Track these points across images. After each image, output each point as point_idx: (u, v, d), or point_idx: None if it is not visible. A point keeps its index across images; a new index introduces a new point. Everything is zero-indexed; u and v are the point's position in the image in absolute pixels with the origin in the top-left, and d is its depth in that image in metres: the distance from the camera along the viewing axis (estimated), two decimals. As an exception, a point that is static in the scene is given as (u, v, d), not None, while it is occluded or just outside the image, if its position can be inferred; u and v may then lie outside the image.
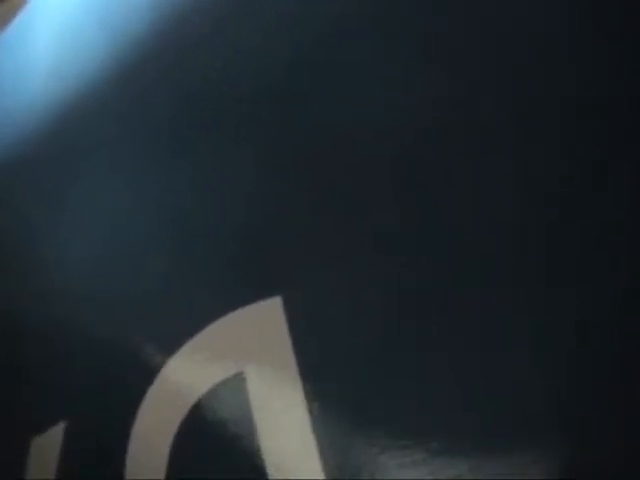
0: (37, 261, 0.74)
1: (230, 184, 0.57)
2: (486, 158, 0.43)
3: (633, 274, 0.35)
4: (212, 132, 0.60)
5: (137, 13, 0.72)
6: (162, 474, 0.51)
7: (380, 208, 0.47)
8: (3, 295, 0.77)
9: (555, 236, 0.39)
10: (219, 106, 0.60)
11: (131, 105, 0.69)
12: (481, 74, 0.45)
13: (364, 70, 0.51)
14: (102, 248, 0.66)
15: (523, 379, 0.37)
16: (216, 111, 0.60)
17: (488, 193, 0.42)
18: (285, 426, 0.45)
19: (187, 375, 0.52)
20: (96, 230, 0.67)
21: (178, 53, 0.66)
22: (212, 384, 0.50)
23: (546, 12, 0.43)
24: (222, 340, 0.51)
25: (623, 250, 0.36)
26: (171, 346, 0.54)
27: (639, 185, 0.37)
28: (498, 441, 0.37)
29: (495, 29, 0.45)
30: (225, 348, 0.51)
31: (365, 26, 0.52)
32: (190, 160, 0.61)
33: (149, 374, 0.55)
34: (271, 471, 0.45)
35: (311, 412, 0.44)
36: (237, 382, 0.49)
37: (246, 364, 0.49)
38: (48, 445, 0.62)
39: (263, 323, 0.49)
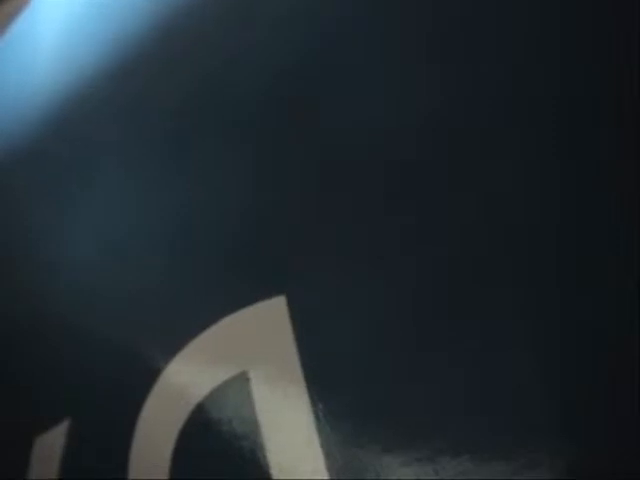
0: (37, 260, 0.74)
1: (232, 183, 0.57)
2: (487, 159, 0.43)
3: (633, 274, 0.35)
4: (214, 130, 0.60)
5: (139, 10, 0.72)
6: (165, 474, 0.51)
7: (382, 208, 0.47)
8: (3, 294, 0.77)
9: (555, 236, 0.39)
10: (221, 104, 0.60)
11: (133, 102, 0.69)
12: (482, 74, 0.45)
13: (364, 71, 0.51)
14: (103, 248, 0.66)
15: (524, 379, 0.37)
16: (217, 109, 0.60)
17: (488, 194, 0.42)
18: (289, 426, 0.45)
19: (190, 375, 0.52)
20: (97, 230, 0.67)
21: (180, 50, 0.66)
22: (215, 384, 0.50)
23: (546, 12, 0.43)
24: (225, 340, 0.51)
25: (623, 250, 0.36)
26: (174, 346, 0.54)
27: (639, 184, 0.37)
28: (501, 440, 0.37)
29: (495, 29, 0.45)
30: (228, 348, 0.51)
31: (364, 27, 0.52)
32: (193, 159, 0.61)
33: (152, 374, 0.55)
34: (275, 471, 0.45)
35: (315, 412, 0.44)
36: (241, 383, 0.49)
37: (250, 364, 0.49)
38: (51, 444, 0.62)
39: (267, 323, 0.49)
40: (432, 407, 0.40)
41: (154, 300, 0.59)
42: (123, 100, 0.70)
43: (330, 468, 0.42)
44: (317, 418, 0.44)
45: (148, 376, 0.55)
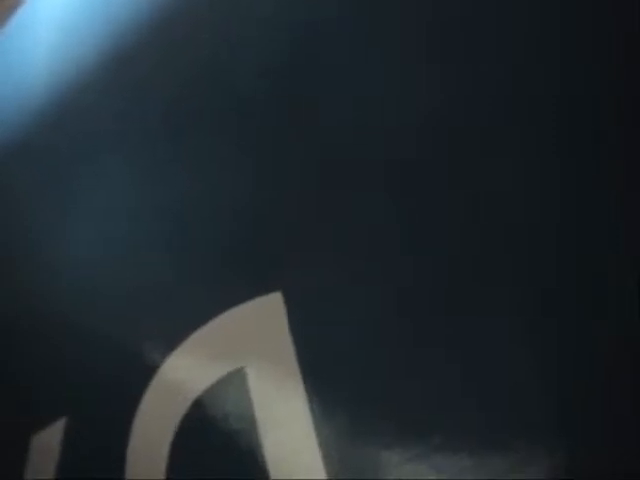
0: (36, 259, 0.74)
1: (230, 180, 0.57)
2: (487, 157, 0.43)
3: (633, 272, 0.35)
4: (211, 126, 0.60)
5: (136, 4, 0.72)
6: (162, 470, 0.51)
7: (380, 206, 0.47)
8: (3, 294, 0.77)
9: (555, 234, 0.39)
10: (217, 100, 0.60)
11: (130, 97, 0.69)
12: (482, 73, 0.45)
13: (364, 70, 0.51)
14: (101, 245, 0.66)
15: (522, 376, 0.37)
16: (214, 105, 0.60)
17: (487, 193, 0.42)
18: (286, 422, 0.45)
19: (188, 371, 0.52)
20: (94, 227, 0.67)
21: (177, 43, 0.66)
22: (213, 380, 0.50)
23: (546, 12, 0.43)
24: (223, 336, 0.51)
25: (623, 248, 0.36)
26: (172, 342, 0.54)
27: (639, 183, 0.37)
28: (498, 437, 0.37)
29: (495, 29, 0.45)
30: (226, 344, 0.51)
31: (365, 27, 0.52)
32: (190, 155, 0.61)
33: (149, 371, 0.55)
34: (272, 466, 0.45)
35: (312, 407, 0.44)
36: (238, 378, 0.49)
37: (247, 360, 0.49)
38: (48, 442, 0.62)
39: (264, 319, 0.49)
40: (429, 403, 0.40)
41: (151, 296, 0.59)
42: (121, 90, 0.70)
43: (327, 463, 0.42)
44: (314, 413, 0.44)
45: (145, 372, 0.55)
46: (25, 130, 0.82)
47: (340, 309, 0.46)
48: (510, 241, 0.40)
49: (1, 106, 0.88)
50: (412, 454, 0.40)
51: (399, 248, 0.45)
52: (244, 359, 0.49)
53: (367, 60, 0.51)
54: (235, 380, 0.49)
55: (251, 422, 0.47)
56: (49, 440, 0.62)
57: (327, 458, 0.43)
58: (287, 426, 0.45)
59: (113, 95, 0.71)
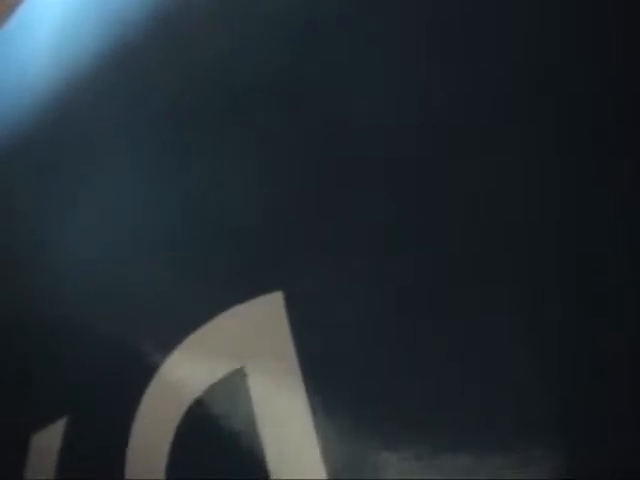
0: (38, 260, 0.74)
1: (229, 180, 0.57)
2: (486, 155, 0.43)
3: (633, 273, 0.35)
4: (212, 125, 0.60)
5: (137, 1, 0.72)
6: (162, 469, 0.51)
7: (380, 205, 0.47)
8: (4, 294, 0.77)
9: (555, 233, 0.39)
10: (218, 99, 0.60)
11: (132, 95, 0.69)
12: (481, 72, 0.45)
13: (365, 69, 0.51)
14: (101, 246, 0.66)
15: (522, 375, 0.37)
16: (214, 104, 0.60)
17: (487, 191, 0.42)
18: (286, 421, 0.45)
19: (188, 371, 0.52)
20: (96, 227, 0.67)
21: (180, 41, 0.66)
22: (213, 380, 0.50)
23: (546, 11, 0.43)
24: (223, 335, 0.51)
25: (623, 246, 0.36)
26: (172, 342, 0.54)
27: (639, 183, 0.37)
28: (499, 437, 0.37)
29: (495, 27, 0.45)
30: (226, 344, 0.51)
31: (366, 26, 0.52)
32: (190, 155, 0.61)
33: (149, 370, 0.55)
34: (272, 465, 0.45)
35: (312, 407, 0.44)
36: (238, 378, 0.49)
37: (247, 359, 0.49)
38: (48, 442, 0.62)
39: (264, 318, 0.49)
40: (430, 403, 0.40)
41: (152, 297, 0.59)
42: (123, 88, 0.70)
43: (327, 461, 0.42)
44: (314, 412, 0.44)
45: (146, 372, 0.55)
46: (26, 129, 0.82)
47: (340, 308, 0.46)
48: (510, 239, 0.40)
49: (2, 104, 0.88)
50: (412, 454, 0.40)
51: (399, 247, 0.45)
52: (244, 358, 0.49)
53: (367, 59, 0.51)
54: (235, 380, 0.49)
55: (251, 422, 0.47)
56: (49, 440, 0.62)
57: (326, 455, 0.43)
58: (287, 425, 0.45)
59: (115, 93, 0.71)
